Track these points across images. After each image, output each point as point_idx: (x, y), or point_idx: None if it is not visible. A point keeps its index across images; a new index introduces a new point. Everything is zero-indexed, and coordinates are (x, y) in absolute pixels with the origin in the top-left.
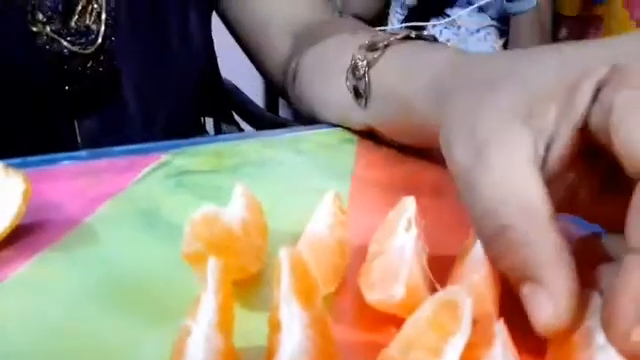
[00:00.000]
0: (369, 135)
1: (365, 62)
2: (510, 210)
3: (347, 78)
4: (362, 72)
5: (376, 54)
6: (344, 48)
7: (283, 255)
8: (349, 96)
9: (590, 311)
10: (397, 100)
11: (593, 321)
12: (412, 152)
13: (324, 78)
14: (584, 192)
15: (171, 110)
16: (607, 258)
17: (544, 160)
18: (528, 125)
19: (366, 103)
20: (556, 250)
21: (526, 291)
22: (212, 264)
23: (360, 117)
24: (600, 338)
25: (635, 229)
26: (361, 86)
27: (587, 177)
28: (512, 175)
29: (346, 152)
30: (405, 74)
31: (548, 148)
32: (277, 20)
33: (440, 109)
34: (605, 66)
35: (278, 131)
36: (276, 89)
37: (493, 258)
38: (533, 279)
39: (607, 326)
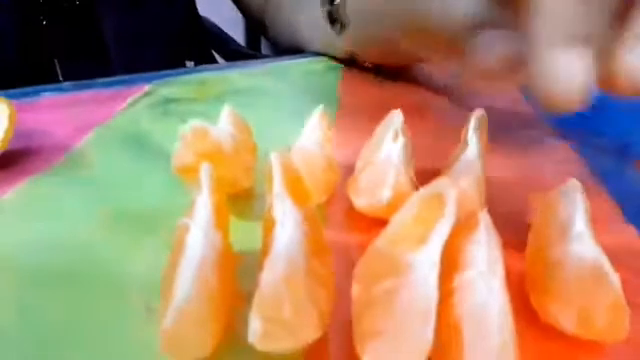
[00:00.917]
0: (355, 62)
1: None
2: None
3: (321, 4)
4: None
5: None
6: None
7: (274, 158)
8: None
9: (568, 198)
10: (373, 14)
11: (571, 208)
12: (398, 78)
13: (303, 5)
14: None
15: (151, 51)
16: None
17: None
18: None
19: (341, 28)
20: None
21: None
22: (206, 168)
23: (340, 42)
24: (576, 227)
25: None
26: (334, 10)
27: None
28: None
29: (332, 78)
30: None
31: None
32: None
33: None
34: None
35: (263, 60)
36: (254, 25)
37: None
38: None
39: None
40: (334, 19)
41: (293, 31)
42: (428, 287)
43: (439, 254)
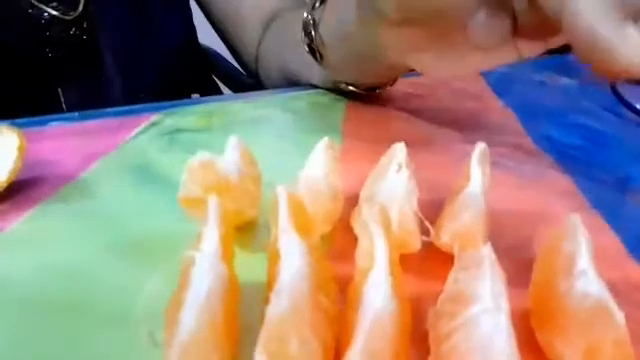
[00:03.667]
0: (359, 95)
1: (311, 18)
2: None
3: (302, 40)
4: (311, 28)
5: (321, 8)
6: (297, 18)
7: (280, 191)
8: (310, 59)
9: (571, 234)
10: (344, 37)
11: (574, 245)
12: (402, 111)
13: (286, 51)
14: None
15: (154, 83)
16: None
17: None
18: None
19: (322, 57)
20: None
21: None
22: (213, 200)
23: (322, 75)
24: (580, 263)
25: None
26: (313, 41)
27: None
28: None
29: (336, 110)
30: (341, 10)
31: None
32: (246, 11)
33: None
34: None
35: (269, 91)
36: (251, 75)
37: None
38: None
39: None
40: (313, 50)
41: (282, 79)
42: (376, 302)
43: (385, 270)
